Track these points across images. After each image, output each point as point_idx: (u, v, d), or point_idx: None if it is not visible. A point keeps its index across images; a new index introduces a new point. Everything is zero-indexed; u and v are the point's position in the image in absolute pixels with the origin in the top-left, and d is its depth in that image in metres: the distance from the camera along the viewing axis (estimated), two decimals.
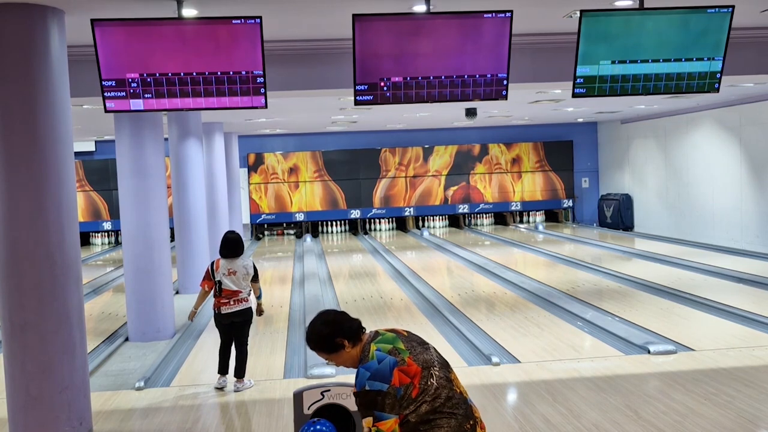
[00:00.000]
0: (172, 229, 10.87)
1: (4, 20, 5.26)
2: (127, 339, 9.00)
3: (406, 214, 21.72)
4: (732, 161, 15.59)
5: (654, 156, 18.98)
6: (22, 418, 5.43)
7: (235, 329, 6.73)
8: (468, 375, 6.71)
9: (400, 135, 21.67)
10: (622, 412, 5.77)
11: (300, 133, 21.03)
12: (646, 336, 7.99)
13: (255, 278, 6.85)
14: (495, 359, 7.23)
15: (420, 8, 5.94)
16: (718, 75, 6.12)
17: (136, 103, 5.69)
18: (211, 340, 8.51)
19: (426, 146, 21.66)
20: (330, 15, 6.24)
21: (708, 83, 6.14)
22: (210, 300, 6.90)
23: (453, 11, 5.74)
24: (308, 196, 21.41)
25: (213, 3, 5.70)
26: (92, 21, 5.42)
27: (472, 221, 22.29)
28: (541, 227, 20.96)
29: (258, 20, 5.55)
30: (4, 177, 5.32)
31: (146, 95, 5.67)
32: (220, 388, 6.74)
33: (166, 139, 12.23)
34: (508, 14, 5.74)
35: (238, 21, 5.55)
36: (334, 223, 21.84)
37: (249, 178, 21.26)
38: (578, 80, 6.00)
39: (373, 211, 21.63)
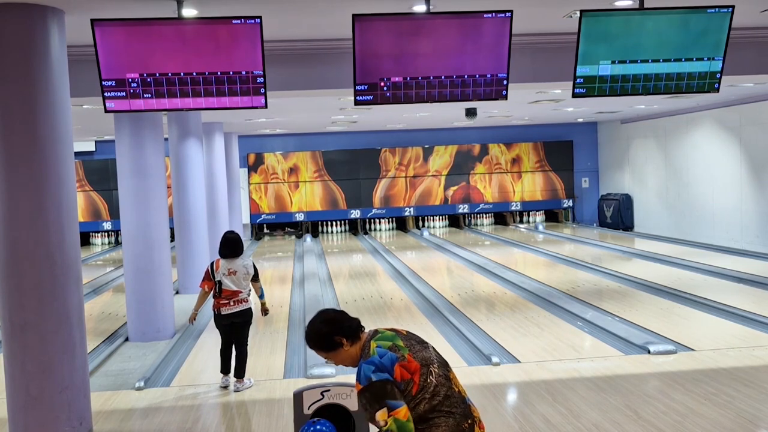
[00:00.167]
0: (172, 229, 10.87)
1: (4, 20, 5.27)
2: (127, 339, 8.99)
3: (406, 214, 21.72)
4: (732, 161, 15.59)
5: (654, 156, 18.99)
6: (22, 418, 5.43)
7: (234, 330, 6.73)
8: (468, 375, 6.71)
9: (400, 135, 21.68)
10: (622, 412, 5.77)
11: (300, 133, 21.03)
12: (646, 336, 7.99)
13: (255, 278, 6.85)
14: (495, 359, 7.23)
15: (420, 8, 5.94)
16: (718, 75, 6.12)
17: (136, 103, 5.69)
18: (211, 340, 8.51)
19: (426, 146, 21.66)
20: (330, 15, 6.24)
21: (708, 83, 6.14)
22: (210, 300, 6.89)
23: (453, 11, 5.74)
24: (308, 196, 21.42)
25: (213, 3, 5.70)
26: (92, 21, 5.42)
27: (472, 221, 22.29)
28: (541, 227, 20.97)
29: (258, 20, 5.55)
30: (4, 177, 5.32)
31: (146, 95, 5.67)
32: (225, 387, 6.73)
33: (166, 139, 12.23)
34: (508, 14, 5.74)
35: (238, 21, 5.55)
36: (334, 223, 21.85)
37: (249, 178, 21.26)
38: (578, 80, 6.00)
39: (373, 211, 21.63)
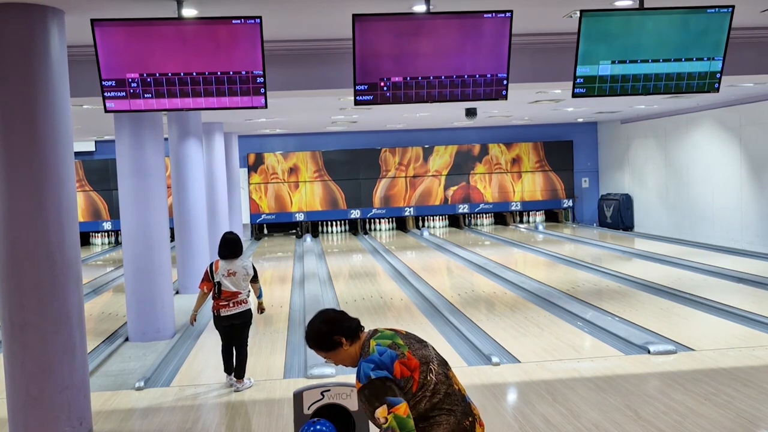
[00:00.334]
0: (172, 229, 10.87)
1: (4, 20, 5.27)
2: (127, 339, 8.99)
3: (406, 214, 21.72)
4: (732, 161, 15.59)
5: (654, 156, 18.99)
6: (22, 418, 5.43)
7: (234, 331, 6.71)
8: (468, 375, 6.71)
9: (400, 135, 21.68)
10: (622, 412, 5.77)
11: (300, 133, 21.03)
12: (646, 336, 7.99)
13: (255, 279, 6.84)
14: (495, 359, 7.23)
15: (420, 8, 5.94)
16: (718, 75, 6.12)
17: (136, 103, 5.69)
18: (211, 340, 8.51)
19: (426, 146, 21.66)
20: (330, 15, 6.24)
21: (708, 83, 6.14)
22: (210, 300, 6.89)
23: (453, 11, 5.74)
24: (308, 196, 21.42)
25: (213, 3, 5.70)
26: (92, 21, 5.42)
27: (472, 221, 22.29)
28: (541, 227, 20.96)
29: (258, 20, 5.55)
30: (4, 177, 5.32)
31: (146, 95, 5.67)
32: (231, 386, 6.73)
33: (166, 139, 12.23)
34: (508, 14, 5.74)
35: (238, 21, 5.55)
36: (334, 223, 21.85)
37: (249, 178, 21.26)
38: (578, 80, 6.00)
39: (373, 211, 21.63)
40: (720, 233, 16.04)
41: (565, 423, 5.59)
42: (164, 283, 9.12)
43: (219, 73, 5.67)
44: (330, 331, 3.17)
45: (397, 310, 10.19)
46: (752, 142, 14.95)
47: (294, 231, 21.90)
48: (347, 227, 21.95)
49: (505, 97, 6.04)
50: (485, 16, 5.73)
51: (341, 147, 21.45)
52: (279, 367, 7.47)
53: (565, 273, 12.79)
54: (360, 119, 16.68)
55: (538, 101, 13.78)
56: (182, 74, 5.64)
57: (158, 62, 5.59)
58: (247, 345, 6.80)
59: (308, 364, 7.24)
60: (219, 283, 6.63)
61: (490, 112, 16.00)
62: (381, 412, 2.91)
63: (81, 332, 5.66)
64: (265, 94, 5.76)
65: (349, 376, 3.24)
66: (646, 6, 5.90)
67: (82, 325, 5.68)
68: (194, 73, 5.65)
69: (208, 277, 6.69)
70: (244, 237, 20.19)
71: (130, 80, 5.61)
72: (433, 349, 3.24)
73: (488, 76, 5.95)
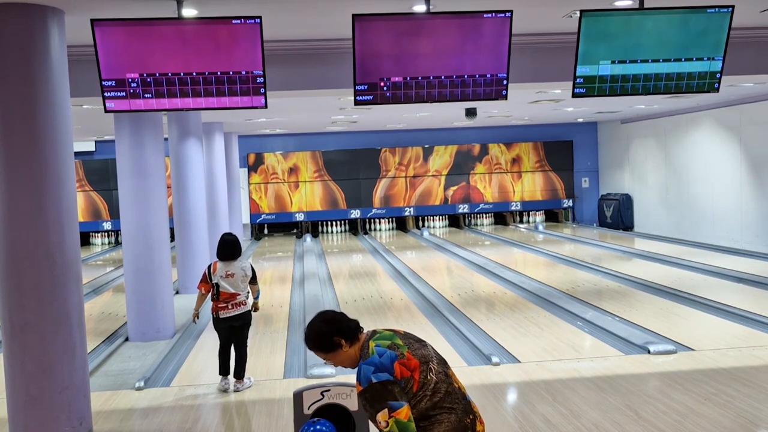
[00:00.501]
0: (172, 229, 10.87)
1: (4, 20, 5.27)
2: (127, 339, 9.00)
3: (406, 214, 21.72)
4: (732, 161, 15.59)
5: (654, 156, 18.99)
6: (22, 418, 5.43)
7: (234, 333, 6.69)
8: (468, 375, 6.71)
9: (400, 135, 21.68)
10: (622, 412, 5.77)
11: (300, 133, 21.03)
12: (646, 336, 7.99)
13: (254, 280, 6.79)
14: (495, 359, 7.23)
15: (420, 8, 5.94)
16: (718, 75, 6.12)
17: (136, 103, 5.69)
18: (211, 340, 8.51)
19: (426, 146, 21.66)
20: (330, 15, 6.24)
21: (708, 83, 6.14)
22: (210, 300, 6.88)
23: (453, 11, 5.74)
24: (308, 196, 21.42)
25: (213, 3, 5.70)
26: (92, 21, 5.42)
27: (472, 221, 22.29)
28: (541, 227, 20.96)
29: (258, 20, 5.55)
30: (4, 177, 5.32)
31: (146, 95, 5.67)
32: (225, 390, 6.67)
33: (166, 139, 12.23)
34: (508, 14, 5.74)
35: (238, 21, 5.55)
36: (334, 223, 21.85)
37: (249, 178, 21.26)
38: (578, 80, 6.00)
39: (373, 211, 21.63)
40: (720, 233, 16.04)
41: (565, 423, 5.59)
42: (164, 283, 9.12)
43: (219, 73, 5.67)
44: (329, 332, 3.17)
45: (397, 310, 10.19)
46: (752, 141, 14.95)
47: (295, 231, 21.91)
48: (347, 227, 21.95)
49: (505, 97, 6.04)
50: (485, 16, 5.73)
51: (341, 147, 21.45)
52: (279, 367, 7.47)
53: (565, 273, 12.79)
54: (360, 119, 16.68)
55: (538, 101, 13.78)
56: (182, 74, 5.64)
57: (158, 62, 5.59)
58: (246, 346, 6.79)
59: (308, 364, 7.24)
60: (217, 285, 6.60)
61: (490, 112, 16.00)
62: (382, 416, 2.92)
63: (81, 332, 5.66)
64: (265, 94, 5.76)
65: (349, 376, 3.24)
66: (646, 6, 5.90)
67: (82, 325, 5.68)
68: (194, 73, 5.65)
69: (206, 279, 6.66)
70: (244, 237, 20.20)
71: (130, 80, 5.61)
72: (432, 348, 3.24)
73: (488, 76, 5.95)
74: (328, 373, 6.91)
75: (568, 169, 22.00)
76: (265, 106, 5.83)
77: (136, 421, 6.17)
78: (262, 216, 21.38)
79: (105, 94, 5.63)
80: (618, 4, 6.21)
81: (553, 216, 22.48)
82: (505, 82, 5.99)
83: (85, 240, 20.64)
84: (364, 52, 5.73)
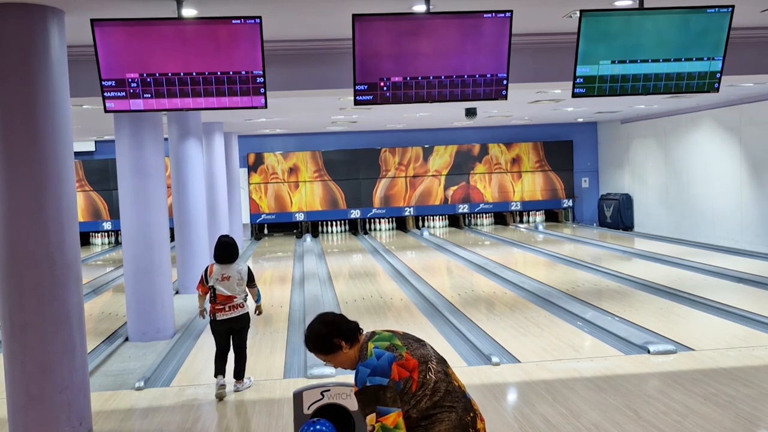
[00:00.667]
0: (172, 229, 10.87)
1: (4, 20, 5.26)
2: (127, 339, 9.00)
3: (406, 214, 21.72)
4: (732, 161, 15.59)
5: (654, 156, 18.99)
6: (22, 418, 5.43)
7: (233, 336, 6.64)
8: (468, 375, 6.71)
9: (400, 135, 21.68)
10: (622, 412, 5.77)
11: (300, 133, 21.03)
12: (646, 336, 7.99)
13: (251, 282, 6.68)
14: (495, 359, 7.23)
15: (420, 8, 5.94)
16: (718, 75, 6.12)
17: (136, 103, 5.69)
18: (210, 339, 8.44)
19: (426, 146, 21.67)
20: (330, 15, 6.24)
21: (708, 83, 6.14)
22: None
23: (453, 11, 5.74)
24: (308, 196, 21.42)
25: (213, 3, 5.70)
26: (92, 21, 5.42)
27: (472, 221, 22.29)
28: (541, 227, 20.97)
29: (258, 20, 5.55)
30: (4, 177, 5.32)
31: (146, 95, 5.66)
32: (221, 398, 6.47)
33: (166, 139, 12.22)
34: (508, 14, 5.74)
35: (238, 21, 5.55)
36: (334, 223, 21.85)
37: (249, 178, 21.26)
38: (578, 80, 6.00)
39: (373, 211, 21.63)
40: (720, 233, 16.04)
41: (565, 423, 5.59)
42: (164, 283, 9.12)
43: (219, 73, 5.66)
44: (329, 333, 3.19)
45: (397, 310, 10.19)
46: (752, 141, 14.95)
47: (295, 231, 21.90)
48: (347, 227, 21.95)
49: (505, 97, 6.04)
50: (485, 16, 5.73)
51: (341, 147, 21.45)
52: (279, 367, 7.48)
53: (565, 273, 12.79)
54: (360, 119, 16.68)
55: (538, 101, 13.78)
56: (182, 74, 5.64)
57: (158, 62, 5.59)
58: (246, 348, 6.75)
59: (308, 364, 7.24)
60: (213, 288, 6.54)
61: (490, 112, 16.00)
62: (370, 419, 2.97)
63: (81, 332, 5.66)
64: (265, 94, 5.76)
65: (349, 376, 3.26)
66: (646, 6, 5.90)
67: (82, 325, 5.68)
68: (194, 73, 5.65)
69: (203, 282, 6.61)
70: (244, 237, 20.19)
71: (129, 80, 5.61)
72: (432, 348, 3.26)
73: (488, 76, 5.95)
74: (328, 373, 6.91)
75: (568, 169, 22.00)
76: (265, 106, 5.83)
77: (136, 421, 6.17)
78: (262, 216, 21.38)
79: (105, 94, 5.63)
80: (618, 4, 6.21)
81: (553, 216, 22.48)
82: (505, 82, 5.99)
83: (85, 240, 20.64)
84: (364, 52, 5.73)
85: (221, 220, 14.96)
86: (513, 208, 21.98)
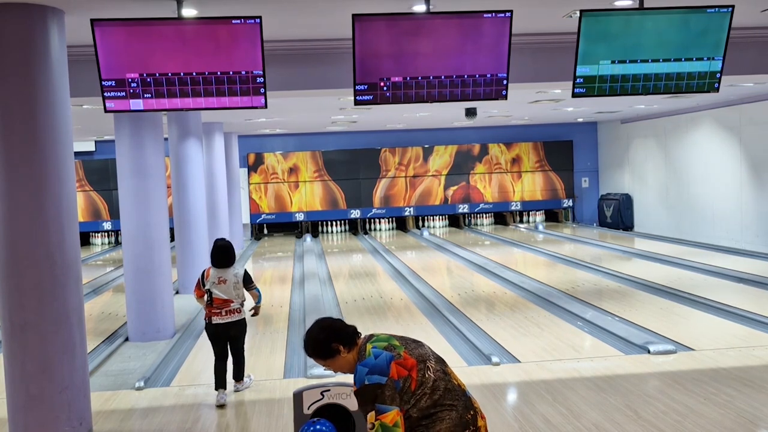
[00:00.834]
0: (172, 229, 10.86)
1: (4, 20, 5.26)
2: (127, 339, 8.99)
3: (406, 214, 21.72)
4: (732, 161, 15.59)
5: (654, 156, 18.99)
6: (22, 418, 5.43)
7: (230, 342, 6.56)
8: (468, 375, 6.71)
9: (400, 135, 21.68)
10: (622, 412, 5.77)
11: (300, 133, 21.03)
12: (646, 336, 7.99)
13: (249, 284, 6.57)
14: (495, 359, 7.23)
15: (420, 8, 5.94)
16: (718, 75, 6.12)
17: (136, 103, 5.69)
18: None
19: (426, 146, 21.67)
20: (330, 15, 6.24)
21: (708, 83, 6.14)
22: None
23: (453, 11, 5.74)
24: (308, 196, 21.42)
25: (213, 3, 5.70)
26: (92, 21, 5.42)
27: (472, 221, 22.29)
28: (541, 227, 20.97)
29: (258, 20, 5.55)
30: (4, 177, 5.32)
31: (146, 95, 5.66)
32: (222, 405, 6.38)
33: (166, 139, 12.23)
34: (508, 14, 5.74)
35: (238, 21, 5.55)
36: (334, 223, 21.85)
37: (249, 178, 21.26)
38: (578, 80, 6.00)
39: (373, 211, 21.63)
40: (720, 233, 16.04)
41: (565, 423, 5.59)
42: (164, 283, 9.12)
43: (219, 73, 5.66)
44: (327, 339, 3.22)
45: (397, 310, 10.19)
46: (752, 141, 14.95)
47: (296, 232, 21.90)
48: (347, 227, 21.95)
49: (505, 97, 6.04)
50: (485, 16, 5.73)
51: (341, 147, 21.45)
52: (279, 367, 7.48)
53: (565, 273, 12.79)
54: (360, 119, 16.68)
55: (538, 101, 13.78)
56: (182, 74, 5.64)
57: (158, 62, 5.59)
58: (243, 350, 6.69)
59: (308, 364, 7.24)
60: (210, 291, 6.45)
61: (489, 112, 16.00)
62: (370, 417, 3.01)
63: (81, 332, 5.66)
64: (265, 94, 5.76)
65: (350, 376, 3.28)
66: (646, 6, 5.90)
67: (82, 325, 5.68)
68: (194, 73, 5.65)
69: (200, 285, 6.53)
70: (244, 237, 20.20)
71: (129, 80, 5.61)
72: (429, 348, 3.28)
73: (488, 76, 5.95)
74: (328, 373, 6.88)
75: (568, 169, 22.00)
76: (265, 106, 5.83)
77: (136, 421, 6.17)
78: (262, 216, 21.38)
79: (105, 94, 5.63)
80: (618, 4, 6.21)
81: (553, 216, 22.48)
82: (505, 82, 5.99)
83: (85, 240, 20.64)
84: (364, 52, 5.73)
85: (221, 220, 14.96)
86: (513, 208, 21.98)
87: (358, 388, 3.06)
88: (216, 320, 6.47)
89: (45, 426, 5.42)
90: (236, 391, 6.68)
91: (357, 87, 5.84)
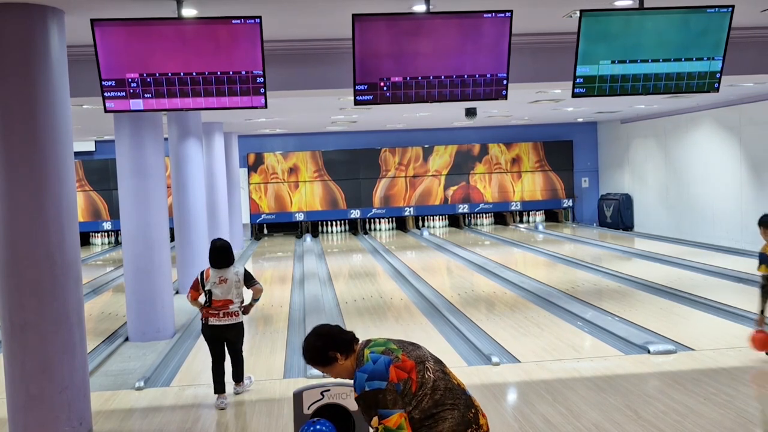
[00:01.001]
0: (172, 229, 10.86)
1: (4, 20, 5.27)
2: (127, 339, 9.00)
3: (406, 214, 21.72)
4: (732, 161, 15.59)
5: (654, 156, 18.99)
6: (22, 418, 5.43)
7: (228, 345, 6.51)
8: (468, 375, 6.71)
9: (400, 135, 21.68)
10: (622, 412, 5.77)
11: (300, 133, 21.03)
12: (646, 336, 7.99)
13: (251, 281, 6.53)
14: (495, 359, 7.23)
15: (420, 8, 5.94)
16: (718, 75, 6.12)
17: (136, 103, 5.69)
18: None
19: (426, 146, 21.66)
20: (330, 15, 6.24)
21: (708, 83, 6.14)
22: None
23: (453, 11, 5.74)
24: (308, 196, 21.42)
25: (213, 3, 5.70)
26: (92, 21, 5.42)
27: (472, 221, 22.29)
28: (541, 227, 20.97)
29: (258, 20, 5.55)
30: (4, 177, 5.32)
31: (146, 95, 5.66)
32: (222, 408, 6.35)
33: (166, 139, 12.23)
34: (508, 14, 5.74)
35: (238, 21, 5.55)
36: (334, 223, 21.85)
37: (249, 178, 21.26)
38: (578, 80, 6.00)
39: (373, 211, 21.63)
40: (720, 233, 16.04)
41: (565, 423, 5.59)
42: (164, 283, 9.12)
43: (219, 73, 5.66)
44: (324, 347, 3.23)
45: (397, 310, 10.19)
46: (752, 141, 14.95)
47: (296, 232, 21.89)
48: (347, 227, 21.94)
49: (505, 97, 6.04)
50: (485, 16, 5.73)
51: (341, 147, 21.45)
52: (279, 367, 7.47)
53: (565, 273, 12.79)
54: (360, 119, 16.68)
55: (538, 101, 13.78)
56: (182, 74, 5.64)
57: (158, 62, 5.58)
58: (241, 352, 6.65)
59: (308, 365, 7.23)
60: (209, 292, 6.38)
61: (489, 112, 16.00)
62: (374, 422, 3.03)
63: (81, 332, 5.66)
64: (265, 94, 5.76)
65: None
66: (646, 6, 5.90)
67: (82, 325, 5.68)
68: (194, 73, 5.65)
69: (197, 286, 6.44)
70: (244, 237, 20.19)
71: (129, 80, 5.61)
72: (427, 350, 3.30)
73: (488, 76, 5.95)
74: None
75: (568, 169, 22.00)
76: (265, 106, 5.83)
77: (136, 421, 6.17)
78: (262, 216, 21.38)
79: (105, 94, 5.63)
80: (618, 4, 6.21)
81: (553, 216, 22.48)
82: (505, 82, 5.99)
83: (85, 240, 20.64)
84: (364, 52, 5.73)
85: (221, 220, 14.96)
86: (513, 208, 21.98)
87: (359, 395, 3.08)
88: (213, 321, 6.39)
89: (45, 426, 5.42)
90: (236, 393, 6.65)
91: (357, 87, 5.84)
